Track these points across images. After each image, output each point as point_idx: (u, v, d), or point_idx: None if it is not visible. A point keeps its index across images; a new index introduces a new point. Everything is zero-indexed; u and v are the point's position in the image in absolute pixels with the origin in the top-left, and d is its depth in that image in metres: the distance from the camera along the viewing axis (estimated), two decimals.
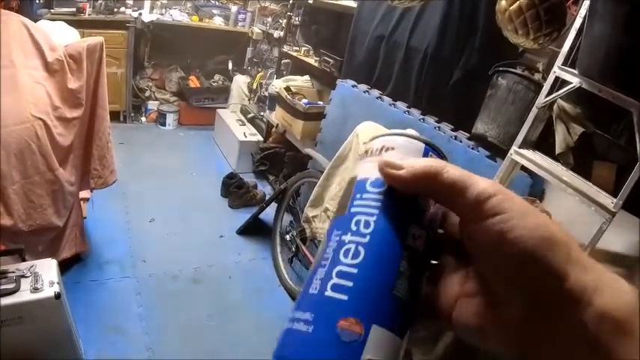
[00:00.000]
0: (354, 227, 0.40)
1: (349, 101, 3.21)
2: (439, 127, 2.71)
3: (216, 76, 6.38)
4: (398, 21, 3.11)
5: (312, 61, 4.31)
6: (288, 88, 4.13)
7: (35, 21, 2.94)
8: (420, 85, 2.95)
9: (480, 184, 0.38)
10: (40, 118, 2.49)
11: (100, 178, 3.04)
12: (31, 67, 2.58)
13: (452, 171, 0.39)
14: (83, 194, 3.19)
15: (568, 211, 2.25)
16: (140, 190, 4.33)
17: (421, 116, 2.80)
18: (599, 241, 1.95)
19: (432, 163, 0.40)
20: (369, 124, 2.60)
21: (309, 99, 4.07)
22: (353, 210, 0.41)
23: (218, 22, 6.17)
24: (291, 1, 4.67)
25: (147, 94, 6.11)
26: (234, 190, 4.30)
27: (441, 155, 0.45)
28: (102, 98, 2.92)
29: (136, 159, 4.90)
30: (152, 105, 6.06)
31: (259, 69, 5.60)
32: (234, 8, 6.24)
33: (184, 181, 4.69)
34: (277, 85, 4.28)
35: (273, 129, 4.68)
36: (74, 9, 5.14)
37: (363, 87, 3.15)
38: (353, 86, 3.21)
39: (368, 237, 0.39)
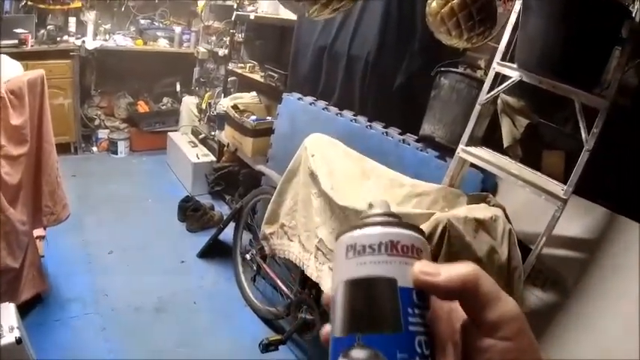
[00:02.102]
0: (418, 349, 0.37)
1: (296, 114, 3.19)
2: (387, 133, 2.70)
3: (165, 99, 6.30)
4: (338, 30, 3.10)
5: (257, 76, 4.27)
6: (235, 107, 4.09)
7: None
8: (364, 93, 2.95)
9: (508, 304, 0.40)
10: None
11: (52, 214, 2.94)
12: None
13: (486, 282, 0.40)
14: (38, 232, 3.09)
15: (522, 202, 2.27)
16: (96, 221, 4.22)
17: (368, 123, 2.79)
18: (556, 228, 1.96)
19: (468, 270, 0.40)
20: (317, 137, 2.57)
21: (257, 115, 4.04)
22: (411, 329, 0.38)
23: (163, 44, 6.10)
24: (233, 19, 4.64)
25: (96, 122, 6.01)
26: (190, 213, 4.23)
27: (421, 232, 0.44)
28: (47, 133, 2.83)
29: (89, 190, 4.78)
30: (102, 133, 5.96)
31: (207, 89, 5.54)
32: (177, 29, 6.18)
33: (141, 209, 4.58)
34: (225, 104, 4.24)
35: (225, 148, 4.62)
36: (16, 41, 5.03)
37: (309, 99, 3.13)
38: (299, 99, 3.18)
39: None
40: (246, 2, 4.55)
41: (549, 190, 1.99)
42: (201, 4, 5.92)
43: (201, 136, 5.29)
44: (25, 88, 2.67)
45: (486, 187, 2.43)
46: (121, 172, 5.42)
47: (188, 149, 5.08)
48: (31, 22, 5.43)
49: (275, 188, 2.82)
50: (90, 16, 5.81)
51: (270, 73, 3.90)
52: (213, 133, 5.03)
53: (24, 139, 2.68)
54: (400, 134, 2.68)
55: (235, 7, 4.64)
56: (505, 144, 2.43)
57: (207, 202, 4.53)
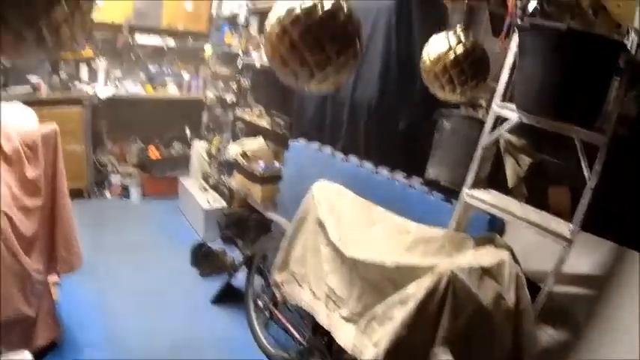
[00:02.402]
0: None
1: (303, 160, 3.24)
2: (393, 177, 2.74)
3: (176, 144, 6.39)
4: None
5: (264, 122, 4.34)
6: (244, 153, 4.16)
7: None
8: (369, 138, 3.00)
9: None
10: (3, 212, 2.46)
11: (66, 263, 2.99)
12: None
13: None
14: (53, 278, 3.14)
15: (531, 241, 2.26)
16: (110, 267, 4.25)
17: (374, 168, 2.83)
18: (565, 264, 1.97)
19: None
20: (324, 184, 2.61)
21: (265, 161, 4.10)
22: None
23: (172, 91, 6.25)
24: (239, 65, 4.74)
25: (109, 168, 6.09)
26: (203, 259, 4.26)
27: None
28: (61, 185, 2.91)
29: (103, 235, 4.84)
30: (115, 179, 6.03)
31: (216, 134, 5.63)
32: (186, 75, 6.33)
33: (154, 254, 4.61)
34: (233, 150, 4.31)
35: (235, 194, 4.67)
36: (29, 88, 5.19)
37: (315, 145, 3.18)
38: (305, 145, 3.24)
39: None
40: (251, 48, 4.64)
41: (555, 230, 2.00)
42: (208, 51, 6.06)
43: (211, 181, 5.36)
44: (40, 142, 2.75)
45: (494, 227, 2.44)
46: (133, 217, 5.49)
47: (199, 195, 5.14)
48: (44, 70, 5.59)
49: (284, 235, 2.85)
50: (101, 64, 5.97)
51: (276, 119, 3.98)
52: (223, 178, 5.09)
53: (39, 192, 2.75)
54: (406, 177, 2.72)
55: (241, 54, 4.74)
56: (510, 184, 2.45)
57: (220, 247, 4.56)
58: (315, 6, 1.41)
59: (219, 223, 4.78)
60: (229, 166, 4.59)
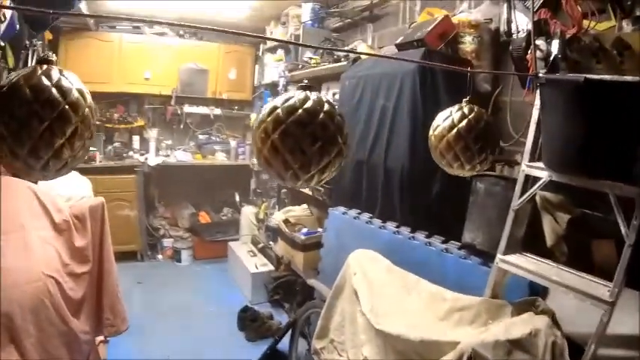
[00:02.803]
0: None
1: (342, 228, 3.27)
2: (429, 243, 2.72)
3: (225, 209, 6.58)
4: (373, 144, 3.23)
5: (306, 189, 4.39)
6: (287, 220, 4.24)
7: None
8: (404, 203, 3.00)
9: None
10: (51, 276, 2.59)
11: (112, 326, 3.10)
12: (41, 229, 2.73)
13: None
14: (101, 337, 3.27)
15: (575, 304, 2.18)
16: (159, 328, 4.37)
17: (410, 234, 2.82)
18: (608, 327, 1.89)
19: None
20: (360, 253, 2.65)
21: (308, 227, 4.19)
22: None
23: (220, 158, 6.51)
24: None
25: (161, 232, 6.36)
26: (249, 323, 4.30)
27: None
28: (107, 253, 3.05)
29: (154, 297, 5.01)
30: (167, 242, 6.28)
31: (264, 199, 5.76)
32: (233, 143, 6.58)
33: (202, 316, 4.71)
34: (277, 218, 4.39)
35: (281, 259, 4.74)
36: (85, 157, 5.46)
37: (353, 212, 3.21)
38: (343, 213, 3.27)
39: None
40: None
41: (594, 294, 1.92)
42: (253, 118, 6.28)
43: (260, 245, 5.45)
44: (87, 214, 2.93)
45: (536, 289, 2.36)
46: (184, 280, 5.65)
47: (247, 259, 5.24)
48: (99, 140, 5.96)
49: (325, 302, 2.87)
50: (152, 134, 6.30)
51: (316, 187, 4.04)
52: (271, 243, 5.16)
53: (86, 259, 2.90)
54: (443, 242, 2.69)
55: None
56: (548, 243, 2.38)
57: (267, 310, 4.60)
58: (294, 105, 1.37)
59: (267, 286, 4.83)
60: (274, 233, 4.67)
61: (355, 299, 2.47)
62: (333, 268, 3.08)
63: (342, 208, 3.33)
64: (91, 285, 2.96)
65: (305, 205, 4.58)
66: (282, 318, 4.57)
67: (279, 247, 4.48)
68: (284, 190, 4.95)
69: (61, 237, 2.79)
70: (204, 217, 6.40)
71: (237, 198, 6.60)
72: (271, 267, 5.01)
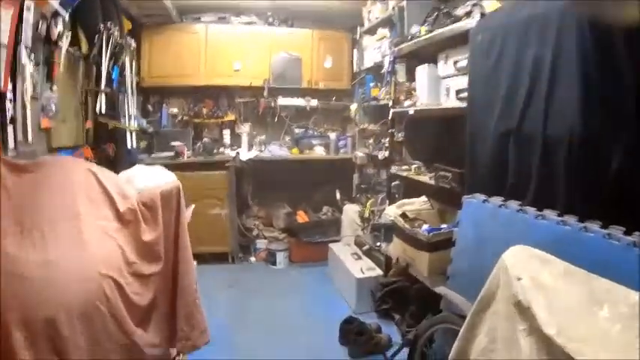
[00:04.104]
0: None
1: (482, 221, 2.56)
2: (609, 235, 1.97)
3: (325, 208, 6.03)
4: (524, 110, 2.49)
5: (425, 178, 3.73)
6: (404, 215, 3.57)
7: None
8: (570, 185, 2.26)
9: None
10: (110, 276, 2.15)
11: (187, 340, 2.59)
12: (101, 218, 2.29)
13: None
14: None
15: None
16: (248, 338, 3.85)
17: (581, 224, 2.08)
18: None
19: None
20: (521, 251, 1.94)
21: (430, 224, 3.48)
22: None
23: (319, 152, 5.96)
24: (390, 117, 4.24)
25: (254, 232, 5.93)
26: (354, 337, 3.66)
27: None
28: (184, 251, 2.56)
29: (244, 303, 4.53)
30: (261, 244, 5.82)
31: (369, 195, 5.14)
32: (332, 136, 6.03)
33: (298, 327, 4.12)
34: (391, 212, 3.73)
35: (394, 262, 4.10)
36: (172, 153, 5.37)
37: (497, 200, 2.49)
38: (484, 201, 2.56)
39: None
40: (402, 98, 4.13)
41: None
42: (353, 108, 5.70)
43: (365, 247, 4.83)
44: (159, 201, 2.45)
45: None
46: (278, 285, 5.11)
47: (351, 262, 4.62)
48: (188, 136, 5.75)
49: (459, 316, 2.22)
50: (244, 128, 5.97)
51: (441, 173, 3.34)
52: (378, 244, 4.54)
53: (157, 257, 2.44)
54: (626, 234, 1.94)
55: (391, 104, 4.25)
56: None
57: (373, 321, 3.95)
58: None
59: (374, 294, 4.19)
60: (386, 232, 4.02)
61: (516, 314, 1.77)
62: (470, 273, 2.43)
63: (480, 196, 2.62)
64: (162, 289, 2.47)
65: (424, 197, 3.88)
66: (389, 331, 3.93)
67: (394, 248, 3.81)
68: (394, 183, 4.30)
69: (126, 229, 2.33)
70: (301, 217, 5.88)
71: (338, 195, 6.02)
72: (379, 271, 4.36)
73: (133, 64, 4.55)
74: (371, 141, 5.21)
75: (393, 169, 4.22)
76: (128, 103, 4.27)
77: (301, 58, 5.98)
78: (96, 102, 3.74)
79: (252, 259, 5.76)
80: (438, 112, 3.60)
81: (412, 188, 4.06)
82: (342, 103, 6.26)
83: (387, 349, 3.60)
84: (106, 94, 3.77)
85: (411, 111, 3.80)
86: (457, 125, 3.14)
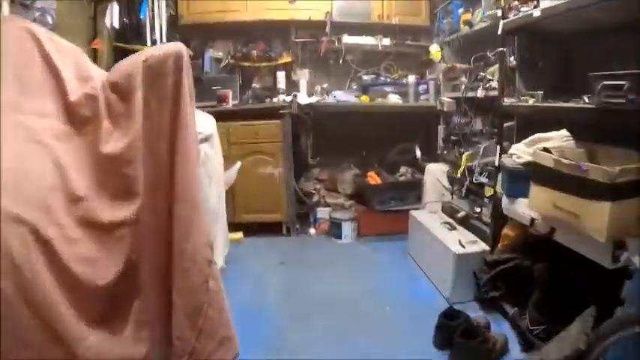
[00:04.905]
0: None
1: None
2: None
3: (402, 169, 4.86)
4: None
5: (566, 105, 2.46)
6: (547, 151, 2.35)
7: None
8: None
9: None
10: (29, 223, 1.17)
11: (190, 355, 1.49)
12: (32, 113, 1.33)
13: None
14: None
15: None
16: (307, 335, 2.84)
17: None
18: None
19: None
20: None
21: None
22: None
23: (393, 100, 4.82)
24: (500, 31, 3.03)
25: (315, 199, 4.88)
26: (460, 340, 2.54)
27: None
28: (185, 180, 1.47)
29: (301, 287, 3.52)
30: (322, 213, 4.79)
31: (461, 150, 3.97)
32: (411, 79, 4.84)
33: (373, 322, 3.03)
34: (520, 151, 2.57)
35: (505, 230, 2.95)
36: (214, 102, 4.43)
37: None
38: None
39: None
40: (516, 2, 2.92)
41: None
42: (434, 49, 4.55)
43: (459, 215, 3.67)
44: (139, 80, 1.41)
45: None
46: (345, 264, 4.04)
47: (444, 233, 3.46)
48: (235, 83, 4.79)
49: None
50: (302, 74, 4.94)
51: (607, 92, 2.06)
52: (478, 210, 3.40)
53: (129, 189, 1.40)
54: None
55: (500, 14, 3.06)
56: None
57: (477, 315, 2.86)
58: None
59: (478, 276, 3.05)
60: (512, 181, 2.77)
61: None
62: None
63: None
64: (142, 254, 1.43)
65: (564, 131, 2.62)
66: (502, 328, 2.81)
67: (534, 203, 2.46)
68: (509, 124, 3.09)
69: (78, 134, 1.35)
70: (373, 179, 4.74)
71: (418, 153, 4.85)
72: (484, 246, 3.21)
73: None
74: (463, 79, 4.02)
75: (507, 102, 3.01)
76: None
77: None
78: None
79: (312, 230, 4.74)
80: (575, 13, 2.37)
81: (530, 127, 2.86)
82: (418, 45, 5.09)
83: (502, 355, 2.55)
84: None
85: (537, 12, 2.60)
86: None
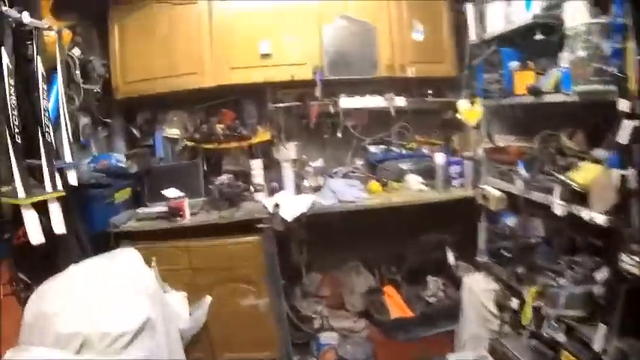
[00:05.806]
0: None
1: None
2: None
3: (431, 282, 3.60)
4: None
5: None
6: None
7: None
8: None
9: None
10: None
11: None
12: None
13: None
14: None
15: None
16: None
17: None
18: None
19: None
20: None
21: None
22: None
23: (414, 183, 3.60)
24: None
25: (315, 323, 3.64)
26: None
27: None
28: None
29: None
30: (326, 339, 3.56)
31: (518, 271, 2.69)
32: (438, 158, 3.53)
33: None
34: None
35: None
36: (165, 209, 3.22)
37: None
38: None
39: None
40: None
41: None
42: (462, 106, 3.31)
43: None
44: None
45: None
46: None
47: None
48: (197, 172, 3.79)
49: None
50: (287, 152, 3.77)
51: None
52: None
53: None
54: None
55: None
56: None
57: None
58: None
59: None
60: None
61: None
62: None
63: None
64: None
65: None
66: None
67: None
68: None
69: None
70: (392, 299, 3.51)
71: (451, 258, 3.59)
72: None
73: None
74: (520, 170, 2.69)
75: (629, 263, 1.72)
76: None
77: (375, 27, 3.60)
78: None
79: None
80: None
81: None
82: (441, 100, 3.85)
83: None
84: None
85: None
86: None
